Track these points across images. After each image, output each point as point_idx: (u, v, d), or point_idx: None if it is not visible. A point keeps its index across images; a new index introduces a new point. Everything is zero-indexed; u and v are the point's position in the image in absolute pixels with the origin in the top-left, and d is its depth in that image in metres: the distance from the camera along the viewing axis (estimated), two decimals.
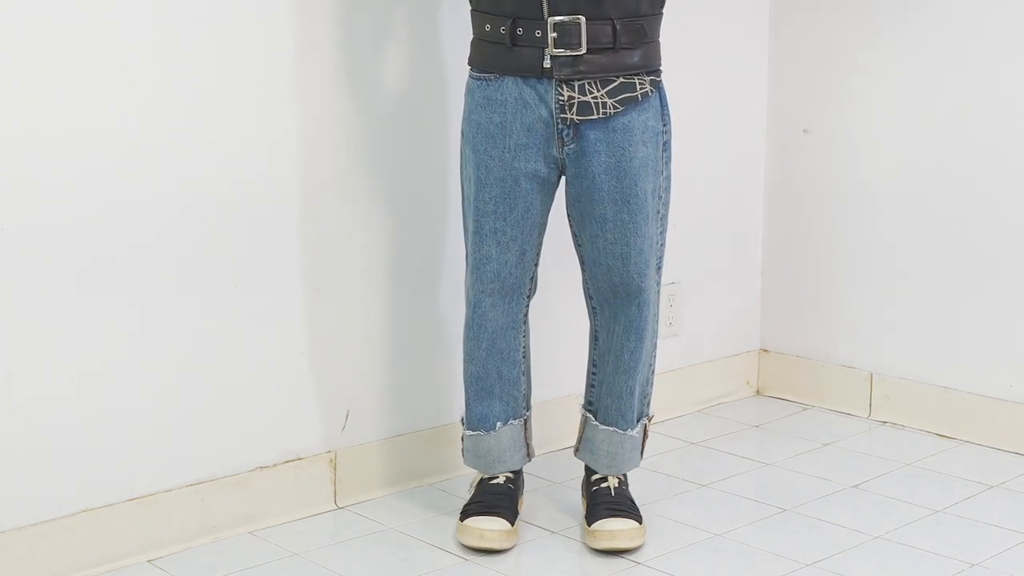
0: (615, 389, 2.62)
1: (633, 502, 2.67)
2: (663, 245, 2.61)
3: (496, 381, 2.63)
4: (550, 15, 2.42)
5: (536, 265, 2.63)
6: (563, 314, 3.08)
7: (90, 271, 2.42)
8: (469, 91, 2.56)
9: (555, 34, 2.42)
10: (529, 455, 2.73)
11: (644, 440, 2.70)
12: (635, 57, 2.47)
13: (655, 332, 2.64)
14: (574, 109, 2.46)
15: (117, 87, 2.42)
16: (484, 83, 2.52)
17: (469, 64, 2.57)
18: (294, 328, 2.73)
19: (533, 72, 2.46)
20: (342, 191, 2.76)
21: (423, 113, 2.87)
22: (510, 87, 2.49)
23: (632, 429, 2.64)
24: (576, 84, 2.45)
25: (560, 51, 2.43)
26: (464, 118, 2.58)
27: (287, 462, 2.75)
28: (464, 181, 2.60)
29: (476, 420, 2.64)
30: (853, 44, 3.40)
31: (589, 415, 2.67)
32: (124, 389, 2.49)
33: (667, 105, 2.56)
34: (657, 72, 2.53)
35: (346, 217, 2.78)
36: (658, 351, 2.72)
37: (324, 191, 2.74)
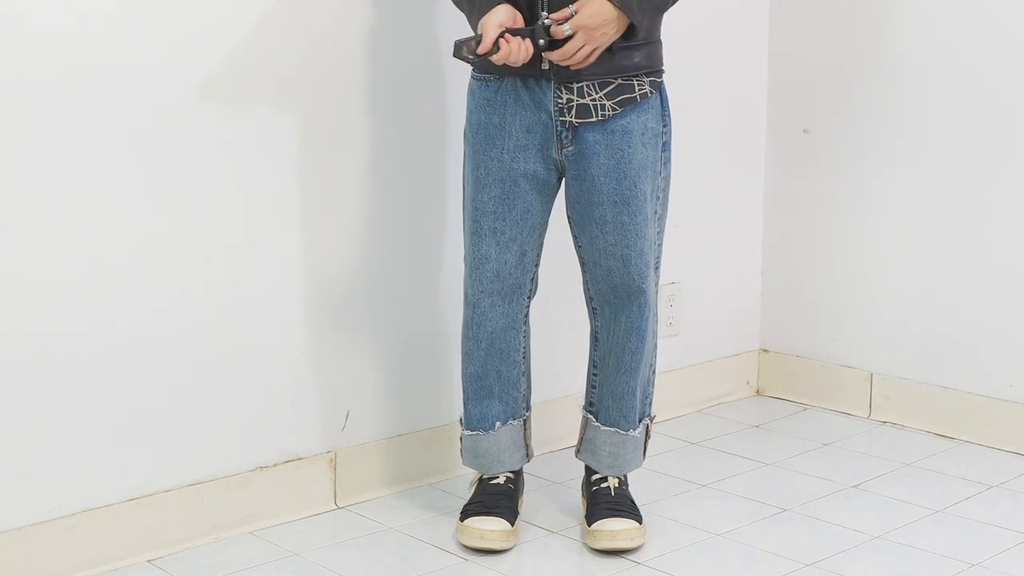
0: (617, 390, 2.62)
1: (633, 502, 2.67)
2: (660, 245, 2.61)
3: (495, 381, 2.63)
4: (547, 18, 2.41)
5: (536, 266, 2.63)
6: (563, 315, 3.08)
7: (89, 270, 2.43)
8: (470, 92, 2.56)
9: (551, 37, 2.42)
10: (528, 455, 2.73)
11: (646, 440, 2.70)
12: (635, 58, 2.47)
13: (655, 332, 2.64)
14: (573, 112, 2.46)
15: (116, 87, 2.42)
16: (484, 84, 2.52)
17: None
18: (294, 328, 2.73)
19: (532, 74, 2.46)
20: (342, 191, 2.76)
21: (423, 113, 2.87)
22: (509, 88, 2.49)
23: (634, 430, 2.64)
24: (575, 86, 2.45)
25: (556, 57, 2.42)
26: (466, 118, 2.58)
27: (287, 462, 2.75)
28: (465, 181, 2.60)
29: (475, 420, 2.64)
30: (853, 44, 3.41)
31: (590, 416, 2.67)
32: (124, 389, 2.49)
33: (668, 106, 2.55)
34: (658, 73, 2.53)
35: (346, 217, 2.78)
36: (658, 351, 2.72)
37: (324, 191, 2.74)
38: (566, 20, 2.37)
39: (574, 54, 2.38)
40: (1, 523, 2.37)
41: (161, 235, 2.51)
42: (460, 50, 2.37)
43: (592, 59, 2.40)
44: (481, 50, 2.35)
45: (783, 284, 3.63)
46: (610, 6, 2.36)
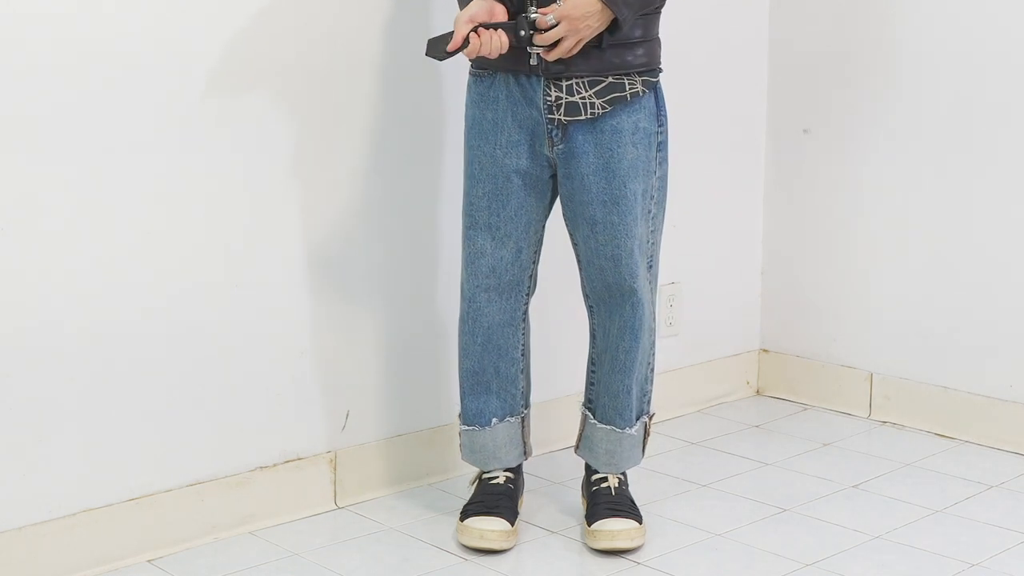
0: (612, 388, 2.62)
1: (633, 502, 2.67)
2: (654, 244, 2.61)
3: (493, 377, 2.63)
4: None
5: (535, 263, 2.63)
6: (563, 313, 3.08)
7: (89, 270, 2.43)
8: (467, 87, 2.58)
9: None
10: (526, 453, 2.73)
11: (645, 438, 2.70)
12: (628, 56, 2.46)
13: (652, 331, 2.64)
14: (562, 110, 2.46)
15: (116, 87, 2.42)
16: (479, 79, 2.53)
17: (470, 60, 2.57)
18: (294, 328, 2.73)
19: (521, 70, 2.46)
20: (342, 191, 2.76)
21: (423, 113, 2.87)
22: (502, 84, 2.49)
23: (630, 427, 2.64)
24: (564, 84, 2.45)
25: (540, 49, 2.42)
26: (464, 114, 2.59)
27: (287, 462, 2.75)
28: (463, 177, 2.61)
29: (471, 415, 2.65)
30: (853, 44, 3.41)
31: (588, 413, 2.68)
32: (124, 389, 2.49)
33: (663, 106, 2.54)
34: (653, 72, 2.52)
35: (345, 217, 2.78)
36: (658, 351, 2.72)
37: (324, 191, 2.74)
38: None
39: (557, 44, 2.38)
40: (1, 523, 2.36)
41: (161, 235, 2.51)
42: (433, 48, 2.37)
43: (575, 51, 2.40)
44: (450, 47, 2.35)
45: (783, 284, 3.63)
46: None
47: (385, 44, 2.79)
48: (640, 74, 2.49)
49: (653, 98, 2.52)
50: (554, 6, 2.37)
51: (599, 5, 2.36)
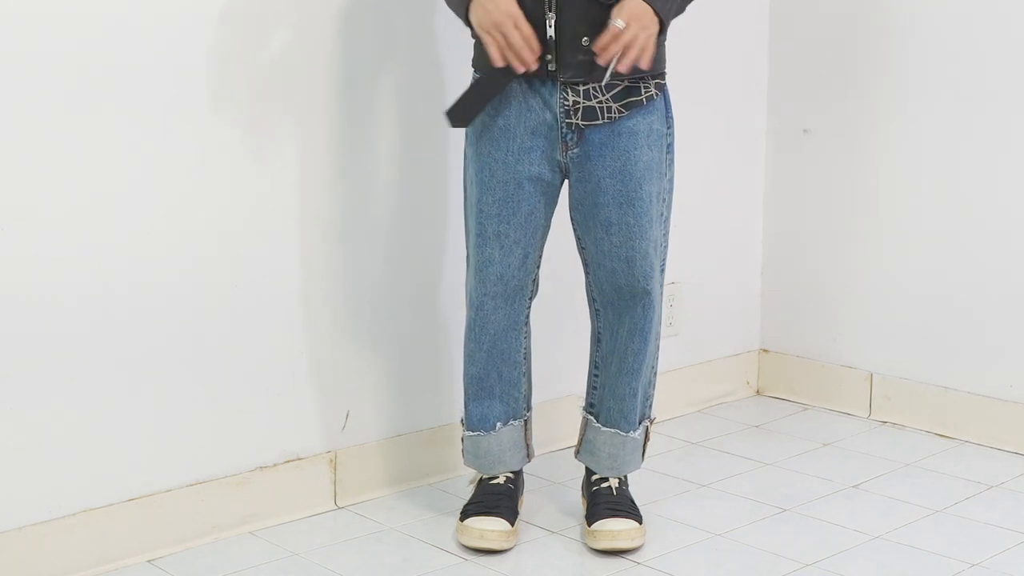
0: (618, 391, 2.61)
1: (633, 502, 2.67)
2: (666, 247, 2.61)
3: (496, 382, 2.63)
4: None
5: (538, 267, 2.63)
6: (564, 315, 3.08)
7: (89, 271, 2.43)
8: None
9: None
10: (529, 456, 2.73)
11: (645, 442, 2.70)
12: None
13: (658, 334, 2.64)
14: (579, 114, 2.45)
15: (117, 87, 2.42)
16: None
17: (473, 66, 2.56)
18: (294, 328, 2.73)
19: (537, 75, 2.45)
20: (342, 192, 2.76)
21: (423, 114, 2.87)
22: (514, 90, 2.48)
23: (634, 431, 2.64)
24: (581, 88, 2.45)
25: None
26: None
27: (287, 462, 2.75)
28: (467, 183, 2.60)
29: (476, 420, 2.64)
30: (853, 44, 3.41)
31: (591, 417, 2.67)
32: (124, 389, 2.49)
33: (671, 107, 2.55)
34: (662, 75, 2.52)
35: (345, 216, 2.78)
36: (659, 352, 2.72)
37: (323, 192, 2.74)
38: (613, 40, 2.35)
39: (631, 45, 2.35)
40: (1, 523, 2.37)
41: (161, 235, 2.51)
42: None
43: (647, 55, 2.38)
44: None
45: (783, 284, 3.63)
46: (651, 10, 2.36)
47: (389, 46, 2.79)
48: (652, 77, 2.49)
49: (663, 100, 2.52)
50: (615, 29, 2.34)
51: (655, 18, 2.37)
